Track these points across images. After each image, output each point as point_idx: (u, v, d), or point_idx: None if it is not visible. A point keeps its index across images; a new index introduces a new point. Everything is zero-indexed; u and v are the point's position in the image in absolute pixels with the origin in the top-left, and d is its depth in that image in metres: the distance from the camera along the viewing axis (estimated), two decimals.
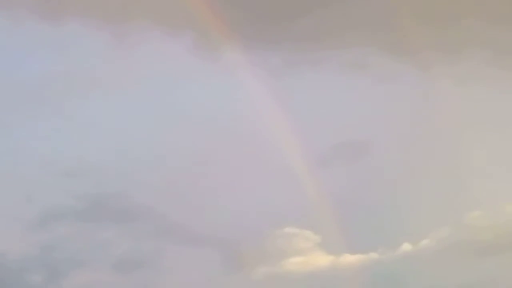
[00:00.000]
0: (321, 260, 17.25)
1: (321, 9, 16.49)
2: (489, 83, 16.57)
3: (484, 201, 15.86)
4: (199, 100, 17.33)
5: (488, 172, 16.16)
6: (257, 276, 16.46)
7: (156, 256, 16.22)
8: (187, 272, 16.03)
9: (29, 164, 16.72)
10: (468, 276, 14.94)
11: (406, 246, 16.56)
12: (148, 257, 16.24)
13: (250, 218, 16.49)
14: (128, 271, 15.83)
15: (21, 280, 15.80)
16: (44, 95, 16.80)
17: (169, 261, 15.86)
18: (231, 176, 17.81)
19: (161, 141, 17.06)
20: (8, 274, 15.79)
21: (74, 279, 15.68)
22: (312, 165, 17.12)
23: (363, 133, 17.41)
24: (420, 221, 16.41)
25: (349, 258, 16.75)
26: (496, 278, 15.22)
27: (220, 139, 17.30)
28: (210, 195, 16.94)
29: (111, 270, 15.89)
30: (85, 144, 17.02)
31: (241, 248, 16.46)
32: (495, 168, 16.15)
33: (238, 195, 17.01)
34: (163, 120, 17.54)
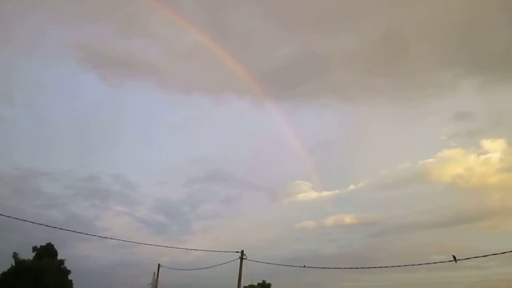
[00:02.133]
0: (313, 195, 78.71)
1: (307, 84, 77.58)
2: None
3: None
4: (255, 125, 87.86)
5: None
6: (284, 204, 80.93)
7: (238, 196, 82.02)
8: (252, 203, 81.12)
9: (184, 159, 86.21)
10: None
11: (351, 187, 78.14)
12: (235, 196, 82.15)
13: (279, 177, 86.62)
14: (227, 204, 79.75)
15: (179, 210, 78.43)
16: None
17: (244, 198, 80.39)
18: (269, 163, 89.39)
19: (239, 147, 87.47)
20: (172, 208, 78.35)
21: (202, 209, 79.69)
22: (306, 153, 77.13)
23: (328, 135, 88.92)
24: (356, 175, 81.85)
25: (325, 193, 77.26)
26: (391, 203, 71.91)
27: (264, 144, 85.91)
28: (261, 171, 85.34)
29: (220, 204, 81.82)
30: (209, 152, 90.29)
31: (276, 191, 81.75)
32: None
33: (274, 169, 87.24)
34: (243, 137, 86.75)
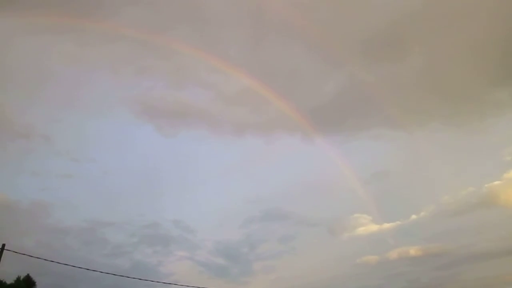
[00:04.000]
0: (373, 228, 75.99)
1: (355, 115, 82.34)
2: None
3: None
4: (308, 161, 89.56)
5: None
6: (344, 239, 77.00)
7: (297, 233, 78.54)
8: (310, 240, 77.02)
9: (240, 200, 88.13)
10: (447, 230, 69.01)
11: (413, 217, 74.37)
12: (294, 234, 77.75)
13: (337, 212, 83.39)
14: (286, 242, 77.42)
15: (238, 252, 74.41)
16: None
17: (302, 236, 77.14)
18: (324, 198, 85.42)
19: (293, 184, 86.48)
20: (231, 250, 75.43)
21: (261, 249, 78.21)
22: (362, 185, 75.35)
23: (382, 166, 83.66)
24: (416, 204, 77.13)
25: (386, 225, 72.39)
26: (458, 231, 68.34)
27: (318, 179, 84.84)
28: (317, 207, 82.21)
29: (278, 243, 77.98)
30: (263, 191, 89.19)
31: (335, 225, 77.97)
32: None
33: (330, 204, 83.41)
34: (296, 174, 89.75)
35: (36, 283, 40.66)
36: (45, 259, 21.30)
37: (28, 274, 40.23)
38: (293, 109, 66.09)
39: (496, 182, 78.60)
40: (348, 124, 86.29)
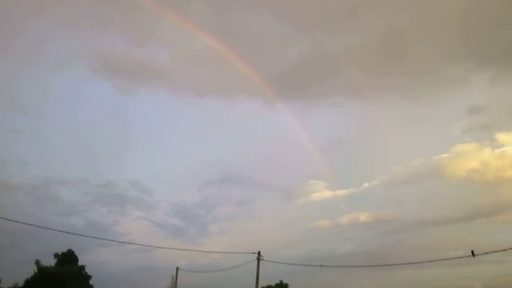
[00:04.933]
0: (327, 194, 71.42)
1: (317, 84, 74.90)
2: None
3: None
4: (268, 127, 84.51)
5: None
6: (299, 204, 72.87)
7: (254, 198, 76.13)
8: (267, 204, 75.45)
9: (199, 162, 79.27)
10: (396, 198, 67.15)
11: (365, 185, 69.95)
12: (251, 198, 75.10)
13: (293, 177, 78.72)
14: (242, 205, 76.04)
15: (195, 214, 71.14)
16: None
17: (259, 200, 75.17)
18: (282, 164, 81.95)
19: (252, 148, 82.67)
20: (188, 212, 72.49)
21: (218, 212, 73.42)
22: (319, 152, 70.22)
23: (340, 134, 78.75)
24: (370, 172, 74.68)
25: (340, 192, 69.67)
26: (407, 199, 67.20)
27: (277, 145, 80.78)
28: (274, 172, 77.52)
29: (235, 206, 75.36)
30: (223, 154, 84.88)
31: (290, 191, 74.32)
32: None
33: (287, 169, 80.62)
34: (256, 139, 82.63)
35: None
36: None
37: None
38: (255, 74, 65.48)
39: (445, 155, 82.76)
40: (309, 92, 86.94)
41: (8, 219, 20.34)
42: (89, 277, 36.79)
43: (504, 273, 47.80)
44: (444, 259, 22.21)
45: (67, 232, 23.96)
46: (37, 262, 34.25)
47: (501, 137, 77.92)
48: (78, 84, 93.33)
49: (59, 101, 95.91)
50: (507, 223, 67.97)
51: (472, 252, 18.10)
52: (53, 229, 22.53)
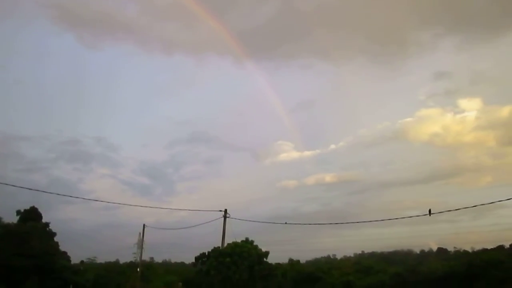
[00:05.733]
0: (294, 155, 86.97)
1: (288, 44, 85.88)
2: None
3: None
4: (237, 86, 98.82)
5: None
6: (266, 164, 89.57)
7: (222, 157, 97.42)
8: (234, 164, 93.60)
9: (167, 121, 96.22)
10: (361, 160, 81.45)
11: (332, 146, 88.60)
12: (219, 157, 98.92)
13: (262, 138, 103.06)
14: (210, 165, 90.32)
15: (162, 172, 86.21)
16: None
17: (227, 159, 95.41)
18: (251, 124, 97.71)
19: (221, 108, 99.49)
20: (156, 170, 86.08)
21: (185, 171, 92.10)
22: (288, 113, 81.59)
23: (309, 96, 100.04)
24: (336, 134, 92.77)
25: (307, 153, 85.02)
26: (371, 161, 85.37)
27: (246, 105, 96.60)
28: (243, 132, 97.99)
29: (203, 165, 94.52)
30: (191, 113, 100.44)
31: (258, 151, 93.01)
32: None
33: (256, 130, 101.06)
34: (225, 98, 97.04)
35: None
36: None
37: None
38: (225, 30, 64.10)
39: (409, 119, 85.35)
40: (280, 52, 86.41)
41: None
42: (53, 234, 36.43)
43: (456, 232, 50.97)
44: (403, 218, 23.29)
45: (29, 189, 23.24)
46: None
47: (463, 103, 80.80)
48: (39, 35, 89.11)
49: (18, 52, 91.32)
50: (462, 185, 71.77)
51: (429, 211, 18.91)
52: (15, 186, 21.72)
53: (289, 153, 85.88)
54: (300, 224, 28.54)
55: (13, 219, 35.35)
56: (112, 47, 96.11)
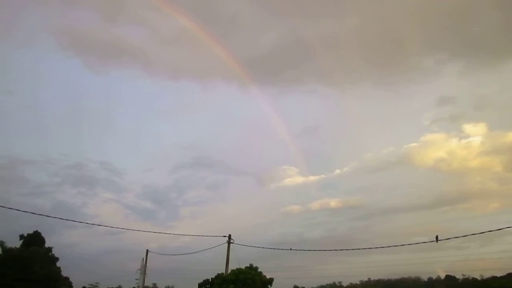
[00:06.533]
0: (299, 180, 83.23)
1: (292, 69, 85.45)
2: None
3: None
4: (242, 111, 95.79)
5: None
6: (271, 189, 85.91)
7: (226, 182, 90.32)
8: (239, 189, 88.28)
9: (171, 145, 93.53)
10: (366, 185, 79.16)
11: (337, 171, 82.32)
12: (223, 182, 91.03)
13: (266, 162, 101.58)
14: (214, 189, 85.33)
15: (166, 197, 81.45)
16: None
17: (231, 184, 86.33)
18: (255, 149, 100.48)
19: (226, 133, 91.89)
20: (160, 195, 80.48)
21: (189, 195, 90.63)
22: (293, 138, 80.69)
23: (313, 120, 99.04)
24: (341, 159, 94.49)
25: (311, 178, 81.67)
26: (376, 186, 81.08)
27: (251, 130, 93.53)
28: (247, 157, 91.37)
29: (207, 190, 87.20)
30: (196, 138, 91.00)
31: (263, 176, 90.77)
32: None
33: (260, 154, 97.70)
34: (230, 123, 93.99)
35: None
36: None
37: None
38: (231, 57, 64.97)
39: (414, 144, 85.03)
40: (284, 77, 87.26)
41: None
42: (56, 259, 36.05)
43: (464, 259, 50.06)
44: (409, 244, 22.94)
45: (33, 213, 23.13)
46: (1, 243, 33.30)
47: (468, 128, 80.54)
48: (47, 61, 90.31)
49: (26, 78, 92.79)
50: (469, 210, 70.94)
51: (437, 238, 18.65)
52: (18, 210, 21.66)
53: (293, 177, 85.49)
54: (305, 250, 28.09)
55: (16, 243, 35.15)
56: (118, 72, 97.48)
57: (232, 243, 27.10)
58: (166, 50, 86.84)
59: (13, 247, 33.87)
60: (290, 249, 26.13)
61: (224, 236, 27.26)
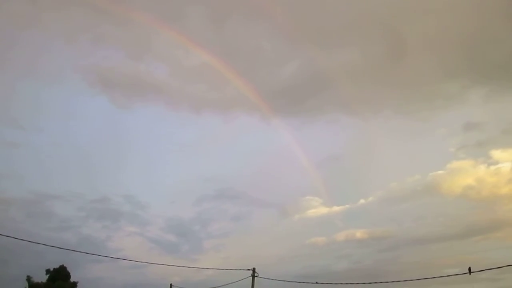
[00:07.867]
0: (323, 210, 70.16)
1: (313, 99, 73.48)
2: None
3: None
4: (264, 142, 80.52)
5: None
6: (294, 220, 70.82)
7: (249, 213, 73.63)
8: (262, 220, 72.29)
9: (194, 178, 75.88)
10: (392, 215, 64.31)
11: (361, 201, 67.78)
12: (246, 214, 72.87)
13: (289, 193, 74.61)
14: (237, 221, 70.68)
15: (189, 229, 70.01)
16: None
17: (254, 216, 71.49)
18: (278, 180, 79.59)
19: (248, 164, 77.07)
20: (183, 227, 70.00)
21: (213, 228, 70.75)
22: (315, 168, 70.66)
23: (336, 150, 74.91)
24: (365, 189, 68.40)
25: (336, 209, 68.22)
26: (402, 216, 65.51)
27: (273, 161, 78.77)
28: (270, 188, 74.43)
29: (230, 221, 71.56)
30: (218, 170, 74.05)
31: (286, 207, 71.93)
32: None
33: (283, 185, 77.75)
34: (252, 154, 79.15)
35: None
36: None
37: None
38: (252, 89, 65.91)
39: (440, 172, 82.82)
40: (306, 108, 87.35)
41: (0, 234, 20.00)
42: None
43: None
44: (441, 276, 22.00)
45: (59, 248, 23.49)
46: (28, 278, 33.76)
47: (496, 154, 78.27)
48: (75, 98, 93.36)
49: (56, 115, 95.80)
50: (502, 240, 67.86)
51: (469, 269, 17.88)
52: (45, 244, 22.02)
53: (317, 208, 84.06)
54: (331, 283, 27.32)
55: (43, 277, 35.52)
56: (143, 107, 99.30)
57: (256, 276, 26.67)
58: (188, 85, 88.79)
59: (40, 282, 34.21)
60: (316, 282, 25.47)
61: (248, 270, 26.89)
